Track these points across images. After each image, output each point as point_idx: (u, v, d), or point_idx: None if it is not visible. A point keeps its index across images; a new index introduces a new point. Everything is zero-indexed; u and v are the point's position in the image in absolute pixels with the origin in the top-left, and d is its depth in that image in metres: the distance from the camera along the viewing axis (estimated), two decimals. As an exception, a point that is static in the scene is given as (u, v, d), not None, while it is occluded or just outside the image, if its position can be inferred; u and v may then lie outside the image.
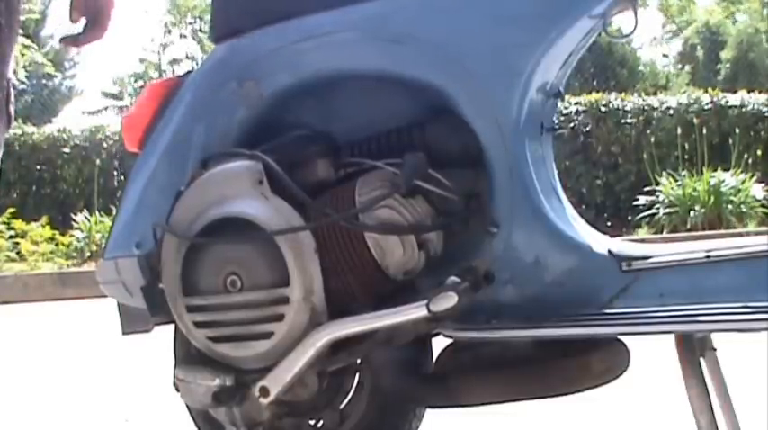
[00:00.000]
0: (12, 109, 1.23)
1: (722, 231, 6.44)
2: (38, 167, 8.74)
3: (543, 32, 1.23)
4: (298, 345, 1.21)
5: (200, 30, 10.52)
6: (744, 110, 8.29)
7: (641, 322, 1.14)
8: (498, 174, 1.24)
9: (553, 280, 1.24)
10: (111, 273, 1.41)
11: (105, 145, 8.70)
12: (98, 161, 8.50)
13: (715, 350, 1.24)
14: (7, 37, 1.19)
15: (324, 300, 1.21)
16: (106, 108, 10.36)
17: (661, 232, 6.80)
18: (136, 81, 10.70)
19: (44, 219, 7.20)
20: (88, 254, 6.80)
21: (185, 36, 10.52)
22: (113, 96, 10.48)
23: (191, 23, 10.52)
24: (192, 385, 1.28)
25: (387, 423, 1.45)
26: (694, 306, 1.14)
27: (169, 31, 10.47)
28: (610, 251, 1.23)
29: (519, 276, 1.24)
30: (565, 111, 7.97)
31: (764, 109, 8.34)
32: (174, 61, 10.49)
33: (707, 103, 8.25)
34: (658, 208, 6.95)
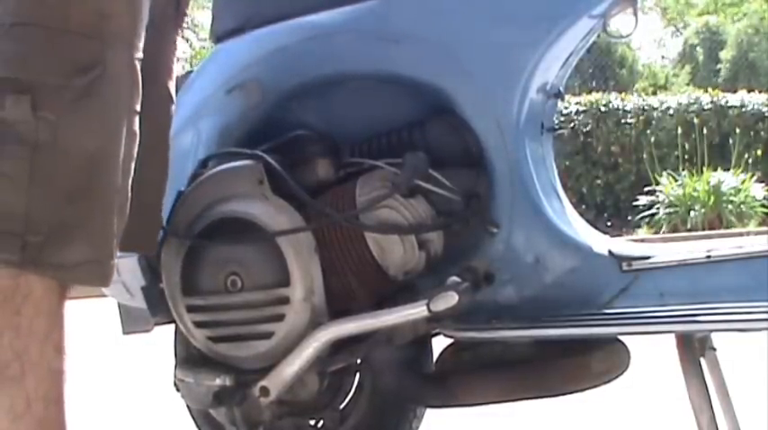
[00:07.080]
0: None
1: (722, 231, 6.46)
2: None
3: (543, 32, 1.23)
4: (298, 345, 1.21)
5: (187, 27, 10.40)
6: (744, 110, 8.31)
7: (641, 322, 1.14)
8: (498, 174, 1.24)
9: (553, 280, 1.24)
10: (112, 273, 1.41)
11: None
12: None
13: (715, 350, 1.24)
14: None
15: (324, 300, 1.21)
16: None
17: (661, 232, 6.81)
18: None
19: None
20: (88, 254, 6.78)
21: None
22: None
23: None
24: (192, 385, 1.28)
25: (387, 423, 1.45)
26: (694, 306, 1.14)
27: None
28: (610, 251, 1.23)
29: (519, 276, 1.24)
30: (565, 112, 7.98)
31: (764, 109, 8.35)
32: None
33: (707, 103, 8.27)
34: (658, 208, 6.96)
